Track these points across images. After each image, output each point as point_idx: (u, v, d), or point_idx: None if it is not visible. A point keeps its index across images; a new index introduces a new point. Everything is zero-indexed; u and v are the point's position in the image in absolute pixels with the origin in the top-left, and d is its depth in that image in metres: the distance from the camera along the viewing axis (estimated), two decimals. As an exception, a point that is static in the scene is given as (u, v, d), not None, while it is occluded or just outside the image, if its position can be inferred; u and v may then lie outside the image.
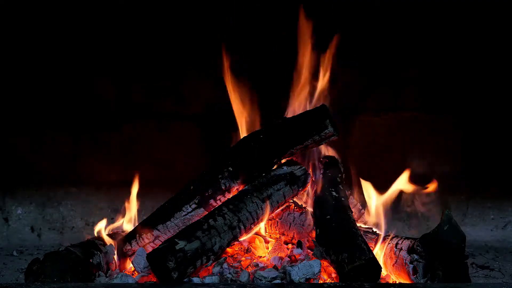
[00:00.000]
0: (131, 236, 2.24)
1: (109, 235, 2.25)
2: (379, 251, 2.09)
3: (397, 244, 2.03)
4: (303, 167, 2.26)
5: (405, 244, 1.99)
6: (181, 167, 2.95)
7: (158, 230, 2.20)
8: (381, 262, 1.98)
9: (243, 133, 2.45)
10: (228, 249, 2.11)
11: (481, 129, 3.11)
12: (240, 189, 2.20)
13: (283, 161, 2.27)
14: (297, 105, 2.44)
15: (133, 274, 2.08)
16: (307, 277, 1.87)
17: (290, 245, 2.24)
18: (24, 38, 3.03)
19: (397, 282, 1.96)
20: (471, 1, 2.97)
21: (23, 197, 3.14)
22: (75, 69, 3.07)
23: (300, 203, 2.34)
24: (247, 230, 2.10)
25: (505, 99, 3.09)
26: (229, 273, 1.96)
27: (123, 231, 2.33)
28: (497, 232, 3.16)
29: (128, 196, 2.41)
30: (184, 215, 2.20)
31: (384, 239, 2.12)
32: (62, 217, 3.15)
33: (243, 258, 2.11)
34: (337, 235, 1.96)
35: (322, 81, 2.44)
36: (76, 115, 3.11)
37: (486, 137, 3.11)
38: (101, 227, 2.26)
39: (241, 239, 2.12)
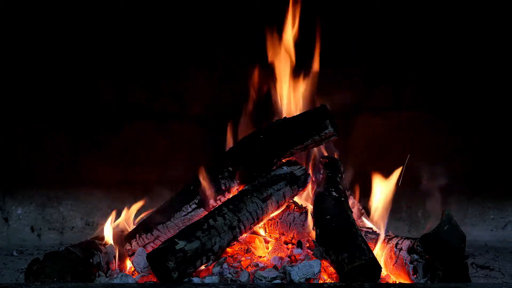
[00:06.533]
0: (131, 236, 2.24)
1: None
2: (379, 251, 2.09)
3: (397, 244, 2.03)
4: (303, 167, 2.26)
5: (405, 244, 1.99)
6: (181, 167, 2.95)
7: (158, 230, 2.20)
8: (381, 262, 1.98)
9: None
10: (228, 249, 2.11)
11: (481, 129, 3.11)
12: (240, 189, 2.20)
13: (283, 161, 2.27)
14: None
15: (133, 274, 2.08)
16: (307, 277, 1.87)
17: (290, 245, 2.24)
18: (25, 38, 3.02)
19: (397, 282, 1.96)
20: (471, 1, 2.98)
21: (23, 197, 3.13)
22: (75, 69, 3.07)
23: (300, 203, 2.34)
24: (247, 230, 2.10)
25: (505, 98, 3.09)
26: (229, 273, 1.96)
27: (123, 231, 2.33)
28: (497, 232, 3.16)
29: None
30: (184, 215, 2.20)
31: (384, 239, 2.12)
32: (62, 217, 3.15)
33: (243, 258, 2.11)
34: (337, 235, 1.96)
35: None
36: (76, 115, 3.11)
37: (486, 137, 3.11)
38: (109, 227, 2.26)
39: (240, 239, 2.13)
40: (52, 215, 3.14)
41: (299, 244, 2.19)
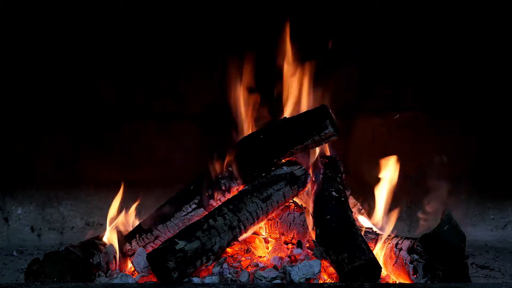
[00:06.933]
0: (131, 236, 2.24)
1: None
2: (379, 251, 2.09)
3: (397, 244, 2.03)
4: (303, 167, 2.26)
5: (405, 244, 1.99)
6: (181, 167, 2.95)
7: (158, 230, 2.20)
8: (381, 262, 1.98)
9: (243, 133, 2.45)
10: (228, 249, 2.11)
11: (481, 128, 3.11)
12: (240, 189, 2.20)
13: (283, 161, 2.28)
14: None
15: (133, 274, 2.08)
16: (307, 277, 1.87)
17: (290, 245, 2.24)
18: (25, 38, 3.02)
19: (397, 282, 1.96)
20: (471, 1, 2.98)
21: (23, 197, 3.13)
22: (75, 69, 3.07)
23: (300, 203, 2.34)
24: (247, 230, 2.10)
25: (505, 98, 3.09)
26: (229, 273, 1.96)
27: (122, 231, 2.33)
28: (497, 232, 3.15)
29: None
30: (184, 215, 2.20)
31: (384, 239, 2.12)
32: (62, 217, 3.15)
33: (243, 258, 2.11)
34: (337, 235, 1.96)
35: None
36: (76, 115, 3.11)
37: (486, 137, 3.11)
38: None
39: (240, 239, 2.13)
40: (52, 215, 3.14)
41: (299, 244, 2.19)
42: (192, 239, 1.89)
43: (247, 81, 2.52)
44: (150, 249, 2.12)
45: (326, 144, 2.44)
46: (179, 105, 3.13)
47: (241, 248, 2.19)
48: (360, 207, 2.44)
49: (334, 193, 2.19)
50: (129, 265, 2.19)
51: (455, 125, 3.12)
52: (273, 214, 2.24)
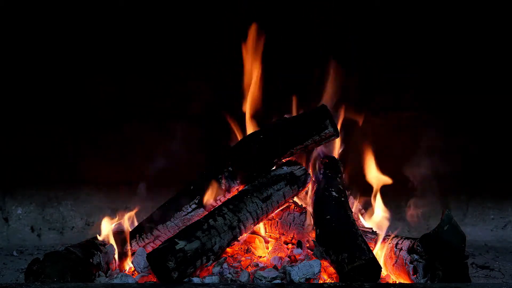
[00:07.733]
0: (131, 236, 2.24)
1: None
2: (379, 251, 2.09)
3: (397, 244, 2.03)
4: (303, 167, 2.26)
5: (405, 244, 1.99)
6: (181, 167, 2.95)
7: (158, 230, 2.20)
8: (381, 262, 1.98)
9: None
10: (228, 249, 2.11)
11: (481, 128, 3.11)
12: (240, 189, 2.20)
13: (283, 161, 2.28)
14: None
15: (133, 274, 2.08)
16: (307, 277, 1.87)
17: (290, 245, 2.24)
18: (25, 38, 3.03)
19: (397, 282, 1.96)
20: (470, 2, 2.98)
21: (23, 197, 3.13)
22: (75, 69, 3.07)
23: (300, 203, 2.34)
24: (247, 230, 2.10)
25: (505, 98, 3.09)
26: (229, 273, 1.96)
27: (123, 231, 2.33)
28: (497, 232, 3.15)
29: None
30: (184, 215, 2.20)
31: (384, 239, 2.12)
32: (62, 217, 3.15)
33: (243, 258, 2.11)
34: (337, 235, 1.96)
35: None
36: (76, 115, 3.11)
37: (486, 137, 3.11)
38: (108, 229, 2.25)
39: (240, 238, 2.13)
40: (52, 215, 3.14)
41: (299, 244, 2.19)
42: (192, 239, 1.89)
43: (248, 81, 2.52)
44: (150, 249, 2.12)
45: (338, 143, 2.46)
46: (179, 105, 3.12)
47: (241, 248, 2.19)
48: (360, 207, 2.44)
49: (334, 193, 2.19)
50: (129, 265, 2.19)
51: (455, 125, 3.12)
52: (273, 214, 2.24)
